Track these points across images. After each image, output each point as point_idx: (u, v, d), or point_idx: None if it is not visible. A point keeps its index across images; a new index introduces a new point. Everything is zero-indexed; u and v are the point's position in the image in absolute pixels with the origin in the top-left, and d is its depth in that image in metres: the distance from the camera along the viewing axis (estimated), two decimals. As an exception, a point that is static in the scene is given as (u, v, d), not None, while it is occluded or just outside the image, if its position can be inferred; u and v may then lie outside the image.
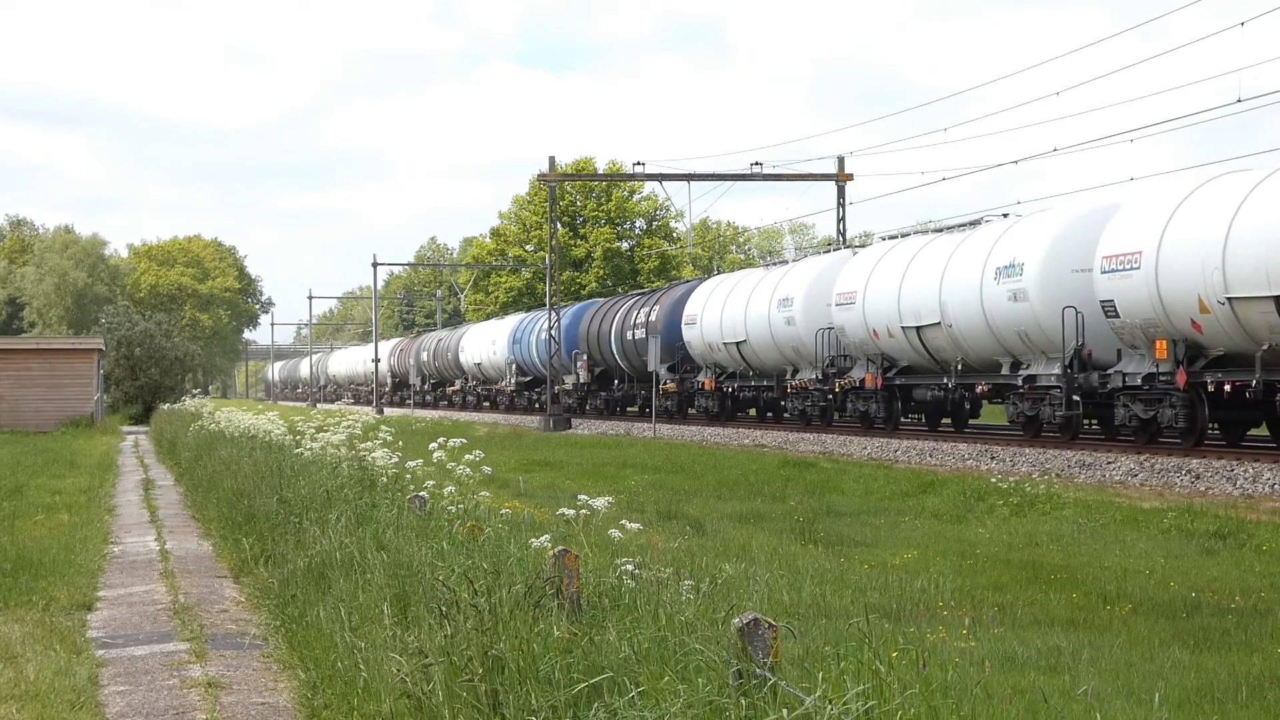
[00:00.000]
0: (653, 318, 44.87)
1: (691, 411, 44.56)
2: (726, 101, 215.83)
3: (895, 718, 4.91)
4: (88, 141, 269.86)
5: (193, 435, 28.29)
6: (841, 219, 49.23)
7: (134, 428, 53.75)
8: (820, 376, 34.55)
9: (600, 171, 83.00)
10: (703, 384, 41.90)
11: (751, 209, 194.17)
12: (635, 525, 8.28)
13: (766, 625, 5.32)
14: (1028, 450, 25.45)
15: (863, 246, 35.93)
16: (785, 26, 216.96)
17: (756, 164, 48.89)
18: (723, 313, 39.77)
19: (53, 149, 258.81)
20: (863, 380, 32.48)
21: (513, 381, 60.99)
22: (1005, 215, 30.11)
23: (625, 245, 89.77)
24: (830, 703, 4.84)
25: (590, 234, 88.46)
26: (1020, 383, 26.85)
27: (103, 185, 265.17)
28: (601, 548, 8.50)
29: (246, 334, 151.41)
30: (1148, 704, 7.82)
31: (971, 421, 33.48)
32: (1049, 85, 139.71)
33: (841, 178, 49.11)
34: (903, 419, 33.03)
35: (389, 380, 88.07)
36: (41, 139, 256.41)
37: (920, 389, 31.08)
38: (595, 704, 5.67)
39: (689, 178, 49.28)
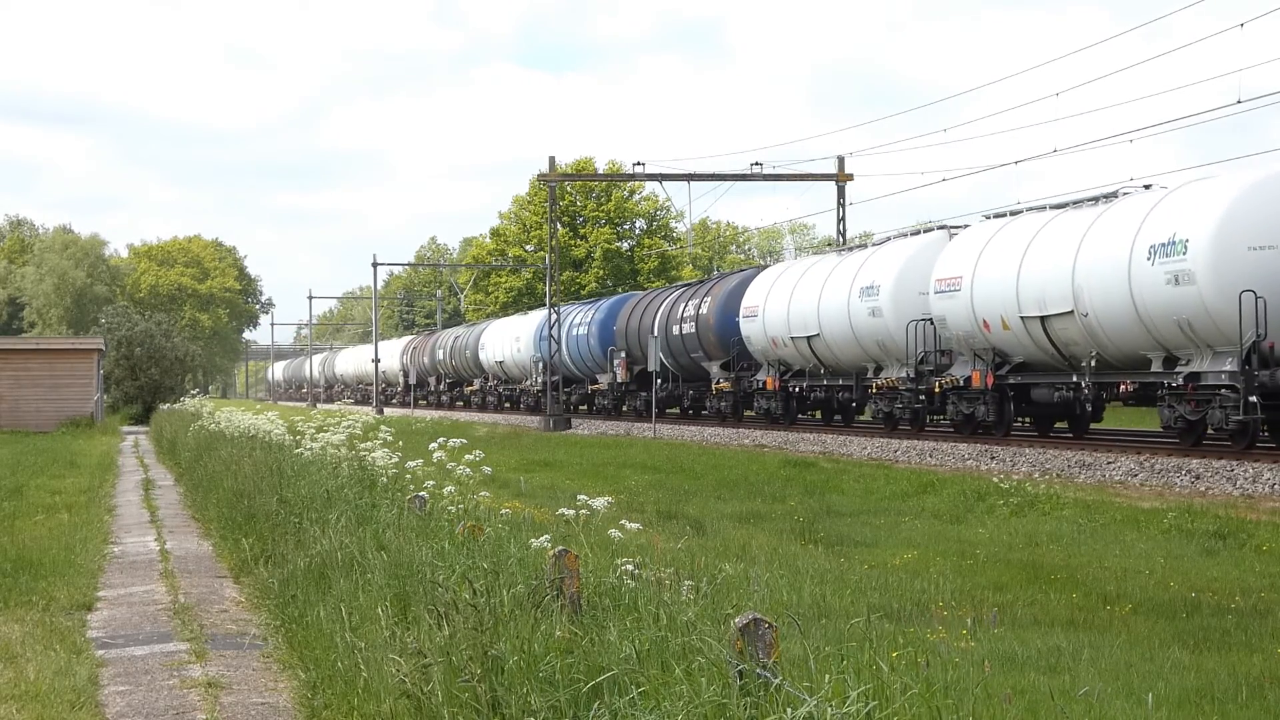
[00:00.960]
0: (703, 310, 41.21)
1: (749, 413, 41.09)
2: (726, 101, 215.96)
3: (896, 718, 4.91)
4: (88, 141, 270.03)
5: (193, 435, 28.29)
6: (841, 219, 49.24)
7: (134, 428, 53.75)
8: (912, 375, 30.14)
9: (600, 171, 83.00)
10: (764, 383, 37.46)
11: (751, 209, 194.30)
12: (635, 525, 8.28)
13: (767, 625, 5.32)
14: (1028, 450, 25.42)
15: (960, 227, 31.05)
16: (785, 27, 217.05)
17: (756, 164, 48.91)
18: (790, 304, 35.23)
19: (53, 149, 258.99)
20: (968, 378, 28.50)
21: (539, 381, 55.93)
22: (1147, 187, 25.64)
23: (625, 245, 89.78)
24: (831, 703, 4.84)
25: (590, 234, 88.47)
26: (1180, 381, 22.77)
27: (103, 185, 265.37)
28: (601, 548, 8.49)
29: (246, 334, 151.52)
30: (1147, 704, 7.82)
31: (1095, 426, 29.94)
32: (1049, 85, 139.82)
33: (841, 178, 49.12)
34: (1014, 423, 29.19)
35: (401, 380, 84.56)
36: (41, 139, 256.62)
37: (1041, 389, 26.93)
38: (596, 704, 5.67)
39: (689, 178, 49.28)
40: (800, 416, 38.26)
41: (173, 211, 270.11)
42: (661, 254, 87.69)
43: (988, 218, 30.04)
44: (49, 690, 8.59)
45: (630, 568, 7.23)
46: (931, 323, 29.51)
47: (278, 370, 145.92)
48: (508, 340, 62.78)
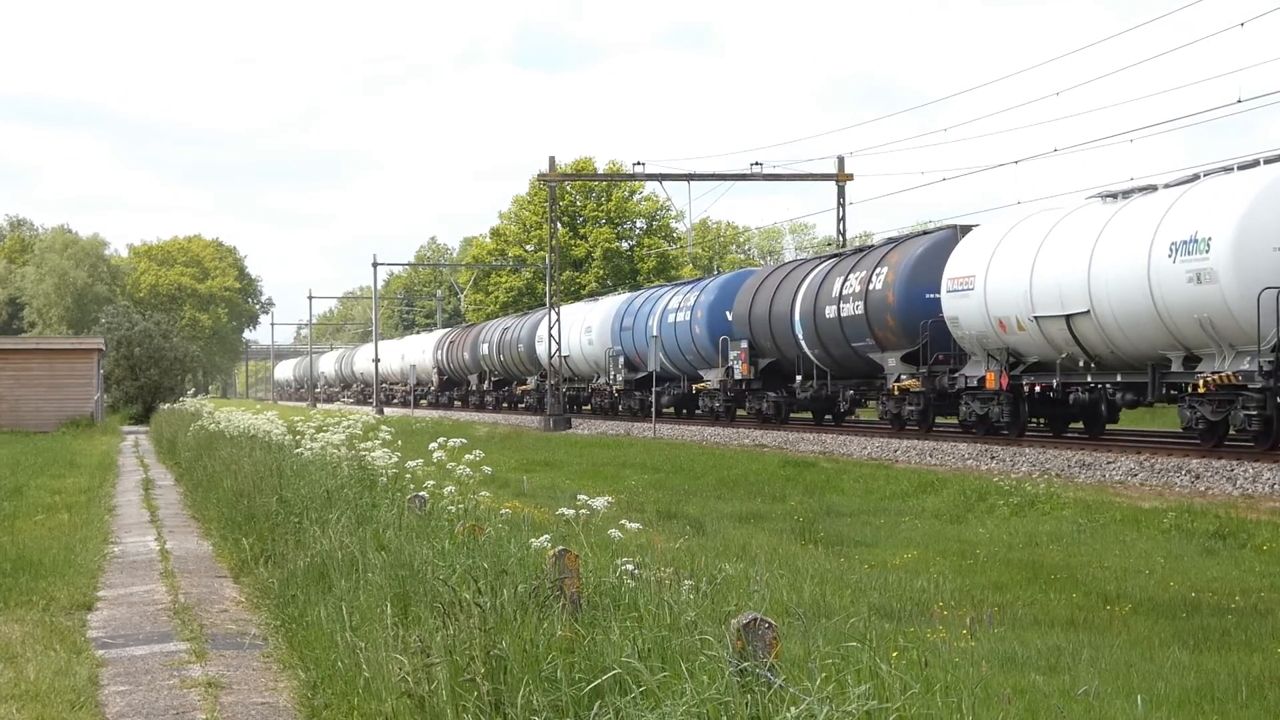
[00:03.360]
0: (875, 285, 31.52)
1: (949, 420, 31.28)
2: (727, 101, 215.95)
3: (896, 717, 4.91)
4: (88, 142, 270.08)
5: (192, 435, 28.29)
6: (841, 219, 49.25)
7: (134, 428, 53.75)
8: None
9: (600, 171, 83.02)
10: (980, 380, 27.67)
11: (751, 209, 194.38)
12: (635, 525, 8.28)
13: (767, 625, 5.33)
14: (1028, 450, 25.41)
15: None
16: (785, 27, 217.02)
17: (756, 164, 48.92)
18: (1034, 269, 25.74)
19: (53, 149, 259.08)
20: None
21: (618, 378, 48.17)
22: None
23: (625, 245, 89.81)
24: (831, 703, 4.84)
25: (590, 234, 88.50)
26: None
27: (103, 185, 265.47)
28: (601, 548, 8.49)
29: (246, 334, 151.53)
30: (1148, 704, 7.83)
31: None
32: (1049, 85, 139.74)
33: (841, 178, 49.13)
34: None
35: (434, 378, 77.02)
36: (41, 139, 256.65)
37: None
38: (597, 703, 5.67)
39: (689, 178, 49.29)
40: (1032, 423, 28.70)
41: (173, 211, 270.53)
42: (661, 254, 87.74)
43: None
44: (49, 690, 8.59)
45: (630, 567, 7.24)
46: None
47: (286, 369, 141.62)
48: (575, 331, 53.34)
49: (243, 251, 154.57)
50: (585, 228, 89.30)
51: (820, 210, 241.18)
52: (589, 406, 54.89)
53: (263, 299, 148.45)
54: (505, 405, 65.18)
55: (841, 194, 49.18)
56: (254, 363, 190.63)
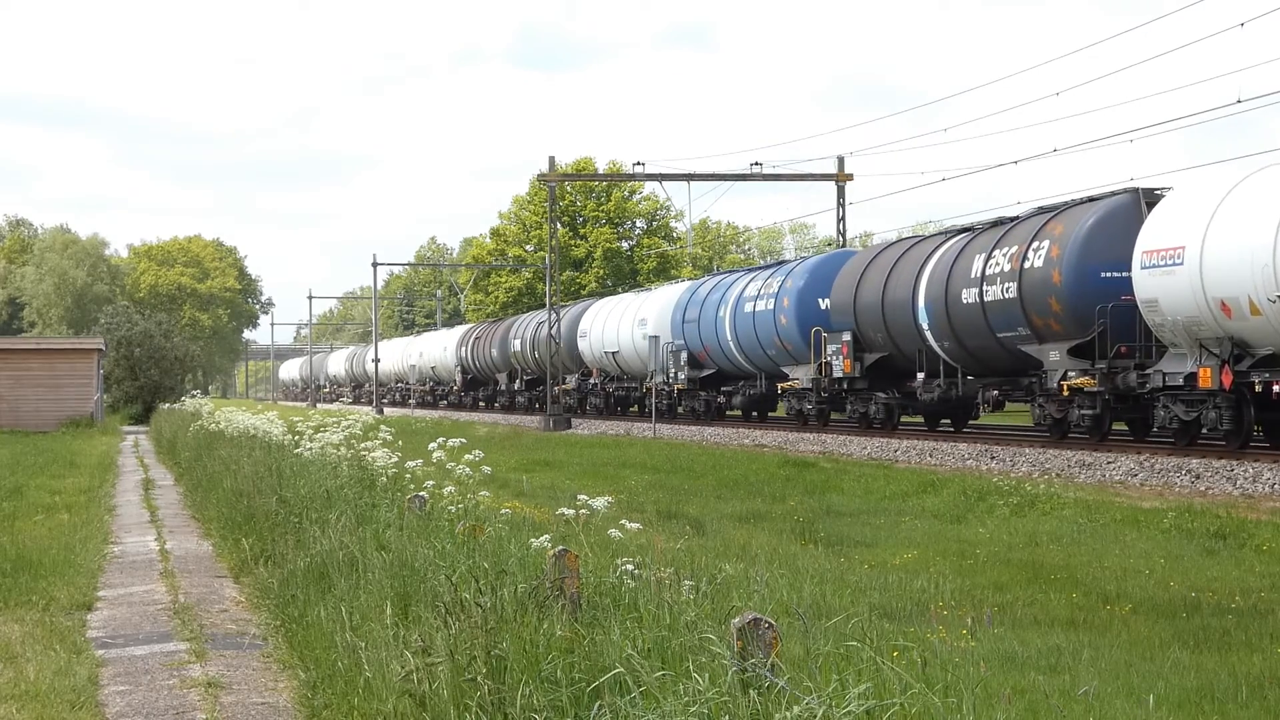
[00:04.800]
0: (1034, 263, 25.53)
1: (1119, 426, 26.40)
2: (726, 101, 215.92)
3: (896, 717, 4.91)
4: (87, 141, 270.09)
5: (192, 435, 28.29)
6: (841, 219, 49.24)
7: (134, 428, 53.75)
8: None
9: (600, 171, 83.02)
10: (1190, 378, 21.90)
11: (751, 209, 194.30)
12: (635, 525, 8.28)
13: (767, 625, 5.33)
14: (1028, 450, 25.41)
15: None
16: (785, 26, 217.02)
17: (756, 164, 48.91)
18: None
19: (53, 149, 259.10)
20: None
21: (680, 376, 42.40)
22: None
23: (625, 245, 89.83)
24: (831, 702, 4.84)
25: (590, 234, 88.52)
26: None
27: (103, 185, 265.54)
28: (601, 548, 8.50)
29: (246, 334, 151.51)
30: (1148, 704, 7.83)
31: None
32: (1049, 85, 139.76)
33: (841, 178, 49.13)
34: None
35: (457, 378, 70.74)
36: (41, 139, 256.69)
37: None
38: (597, 703, 5.68)
39: (689, 178, 49.29)
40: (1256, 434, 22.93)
41: (173, 211, 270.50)
42: (661, 254, 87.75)
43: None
44: (49, 690, 8.59)
45: (630, 567, 7.24)
46: None
47: (292, 368, 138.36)
48: (628, 323, 47.51)
49: (242, 252, 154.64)
50: (585, 228, 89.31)
51: (820, 210, 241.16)
52: (635, 408, 49.50)
53: (263, 299, 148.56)
54: (539, 406, 57.58)
55: (841, 194, 49.18)
56: (254, 363, 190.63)
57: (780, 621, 5.58)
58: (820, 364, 33.76)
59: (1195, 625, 10.48)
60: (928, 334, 29.53)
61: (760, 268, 42.20)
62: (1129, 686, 8.37)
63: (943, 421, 33.04)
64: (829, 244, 63.68)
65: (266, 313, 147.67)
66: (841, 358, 32.63)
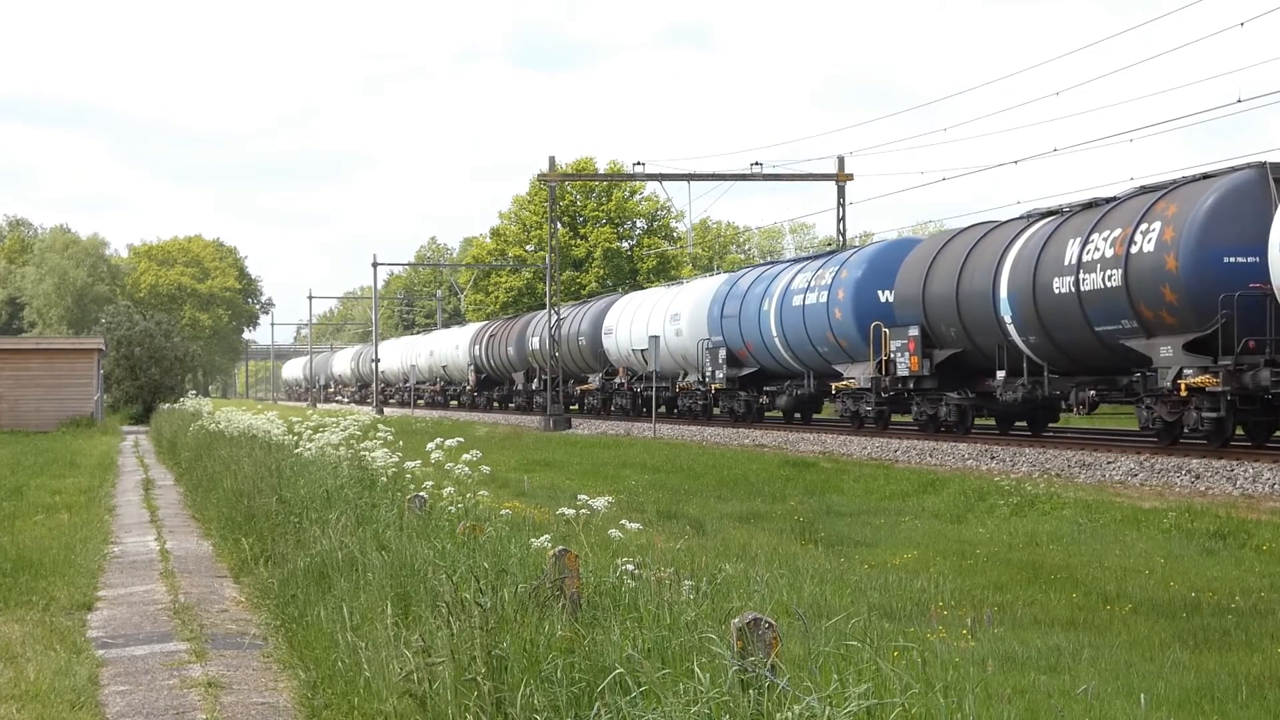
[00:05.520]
0: (1143, 247, 22.80)
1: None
2: (727, 101, 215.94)
3: (896, 717, 4.91)
4: (87, 141, 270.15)
5: (192, 435, 28.29)
6: (841, 219, 49.24)
7: (134, 428, 53.76)
8: None
9: (600, 171, 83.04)
10: None
11: (751, 209, 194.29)
12: (635, 525, 8.28)
13: (767, 625, 5.33)
14: (1028, 450, 25.40)
15: None
16: (784, 26, 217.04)
17: (756, 164, 48.91)
18: None
19: (52, 149, 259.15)
20: None
21: (717, 375, 39.33)
22: None
23: (625, 245, 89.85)
24: (831, 702, 4.84)
25: (590, 234, 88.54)
26: None
27: (102, 185, 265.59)
28: (601, 548, 8.50)
29: (246, 334, 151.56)
30: (1149, 704, 7.83)
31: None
32: (1049, 85, 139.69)
33: (841, 178, 49.13)
34: None
35: (470, 377, 67.81)
36: (41, 139, 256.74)
37: None
38: (597, 704, 5.68)
39: (689, 178, 49.28)
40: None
41: (173, 211, 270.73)
42: (661, 254, 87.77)
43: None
44: (49, 690, 8.59)
45: (630, 567, 7.24)
46: None
47: (296, 368, 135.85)
48: (659, 319, 44.30)
49: (243, 252, 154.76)
50: (585, 228, 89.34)
51: (820, 210, 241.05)
52: (663, 409, 45.80)
53: (263, 299, 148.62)
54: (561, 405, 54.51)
55: (841, 194, 49.18)
56: (254, 363, 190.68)
57: (780, 621, 5.58)
58: (880, 361, 30.72)
59: (1195, 625, 10.48)
60: (1010, 327, 26.43)
61: (807, 258, 38.87)
62: (1129, 686, 8.37)
63: (1016, 424, 30.51)
64: (829, 244, 63.63)
65: (266, 313, 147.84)
66: (908, 354, 29.60)
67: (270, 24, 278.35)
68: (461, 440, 11.21)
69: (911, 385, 30.14)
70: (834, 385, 33.93)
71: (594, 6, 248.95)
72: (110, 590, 12.85)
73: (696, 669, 5.41)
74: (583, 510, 8.54)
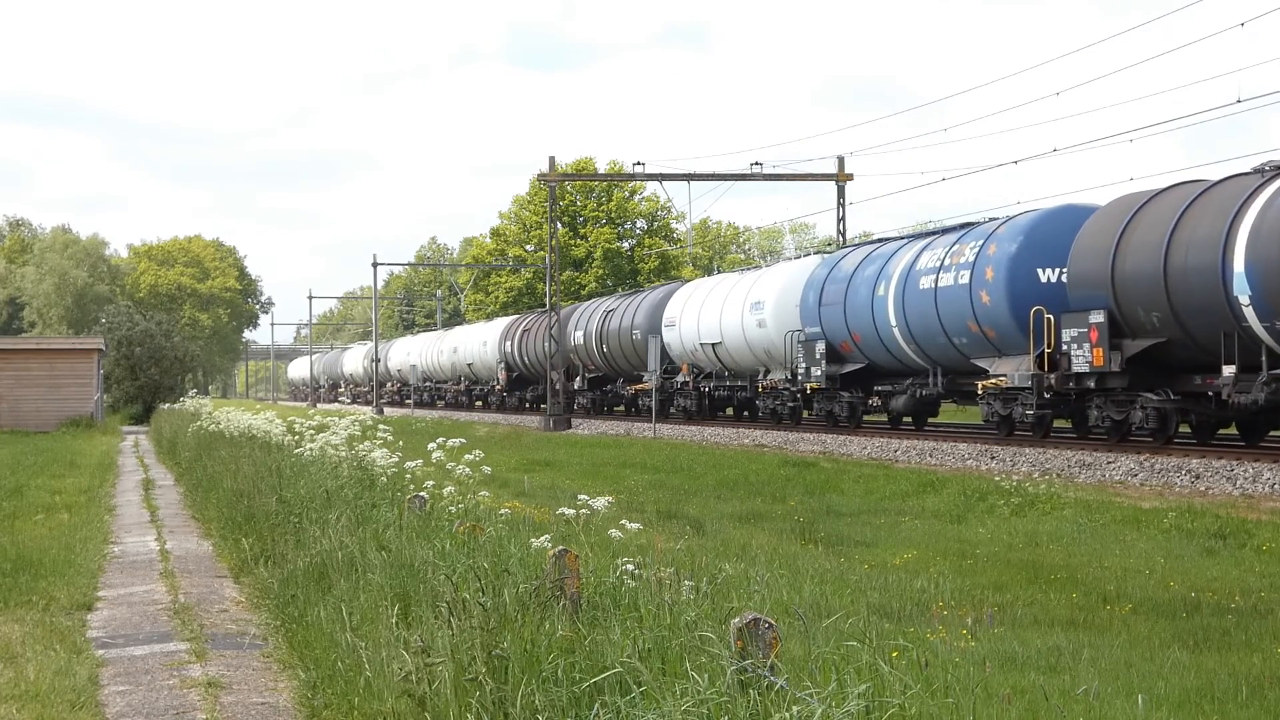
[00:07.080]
0: None
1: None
2: (726, 101, 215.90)
3: (896, 717, 4.91)
4: (86, 141, 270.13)
5: (192, 435, 28.29)
6: (841, 219, 49.24)
7: (134, 428, 53.75)
8: None
9: (600, 171, 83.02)
10: None
11: (751, 209, 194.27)
12: (635, 525, 8.28)
13: (767, 625, 5.33)
14: (1028, 450, 25.39)
15: None
16: (783, 26, 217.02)
17: (756, 164, 48.90)
18: None
19: (53, 149, 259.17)
20: None
21: (814, 373, 33.36)
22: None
23: (625, 245, 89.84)
24: (831, 702, 4.84)
25: (590, 234, 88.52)
26: None
27: (102, 185, 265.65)
28: (601, 548, 8.50)
29: (246, 334, 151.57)
30: (1148, 704, 7.83)
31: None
32: (1049, 85, 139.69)
33: (841, 178, 49.13)
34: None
35: (500, 375, 61.72)
36: (41, 139, 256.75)
37: None
38: (597, 703, 5.68)
39: (689, 178, 49.27)
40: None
41: (172, 211, 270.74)
42: (662, 254, 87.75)
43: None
44: (49, 690, 8.59)
45: (630, 567, 7.24)
46: None
47: (301, 366, 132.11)
48: (734, 310, 38.26)
49: (242, 252, 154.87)
50: (585, 228, 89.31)
51: (820, 210, 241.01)
52: (729, 410, 41.11)
53: (263, 299, 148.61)
54: (605, 410, 51.32)
55: (841, 194, 49.17)
56: (254, 363, 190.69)
57: (780, 621, 5.58)
58: (1042, 355, 25.08)
59: (1195, 625, 10.48)
60: (1248, 310, 20.52)
61: (933, 233, 31.70)
62: (1129, 686, 8.37)
63: (1220, 432, 24.99)
64: (829, 244, 63.55)
65: (266, 312, 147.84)
66: (1087, 345, 23.75)
67: (270, 24, 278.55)
68: (463, 441, 11.22)
69: (1091, 384, 24.20)
70: (979, 384, 27.63)
71: (592, 7, 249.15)
72: (110, 590, 12.85)
73: (693, 671, 5.41)
74: (583, 510, 8.54)
